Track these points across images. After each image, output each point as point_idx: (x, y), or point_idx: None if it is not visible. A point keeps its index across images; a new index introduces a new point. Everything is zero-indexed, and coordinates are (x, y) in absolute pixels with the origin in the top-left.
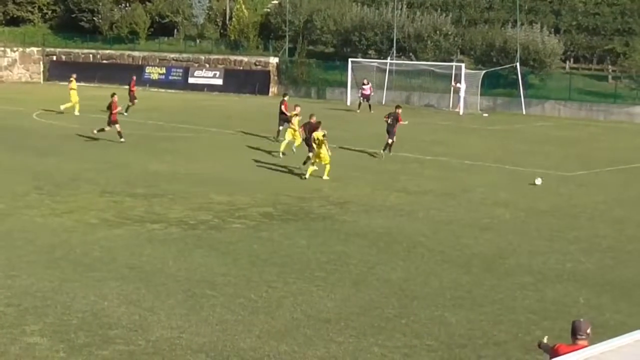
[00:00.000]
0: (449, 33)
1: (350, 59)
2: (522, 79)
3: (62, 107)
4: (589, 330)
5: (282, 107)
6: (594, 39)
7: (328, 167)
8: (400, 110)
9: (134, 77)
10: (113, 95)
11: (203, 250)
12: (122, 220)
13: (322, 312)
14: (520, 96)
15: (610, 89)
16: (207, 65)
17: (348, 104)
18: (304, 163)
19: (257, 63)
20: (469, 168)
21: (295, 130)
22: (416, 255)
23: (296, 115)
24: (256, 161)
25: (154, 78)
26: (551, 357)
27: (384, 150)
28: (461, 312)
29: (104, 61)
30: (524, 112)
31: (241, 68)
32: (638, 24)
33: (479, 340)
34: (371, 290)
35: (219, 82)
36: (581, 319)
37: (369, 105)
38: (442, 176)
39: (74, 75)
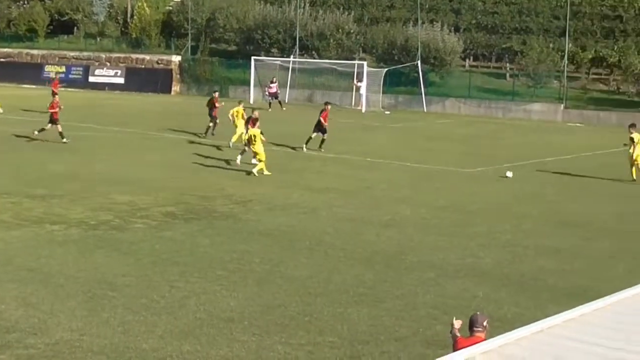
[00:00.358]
0: (351, 31)
1: (253, 57)
2: (423, 77)
3: None
4: (485, 323)
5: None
6: (492, 38)
7: (262, 164)
8: (329, 107)
9: (57, 77)
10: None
11: (104, 250)
12: (20, 221)
13: (225, 311)
14: (422, 94)
15: (508, 86)
16: (108, 64)
17: (251, 102)
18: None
19: (159, 61)
20: (371, 165)
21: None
22: (319, 253)
23: None
24: (158, 160)
25: (53, 77)
26: (454, 350)
27: (320, 147)
28: (364, 308)
29: (2, 60)
30: (425, 110)
31: (143, 66)
32: (535, 23)
33: (381, 335)
34: (274, 288)
35: (121, 80)
36: (478, 313)
37: (280, 103)
38: (344, 174)
39: None
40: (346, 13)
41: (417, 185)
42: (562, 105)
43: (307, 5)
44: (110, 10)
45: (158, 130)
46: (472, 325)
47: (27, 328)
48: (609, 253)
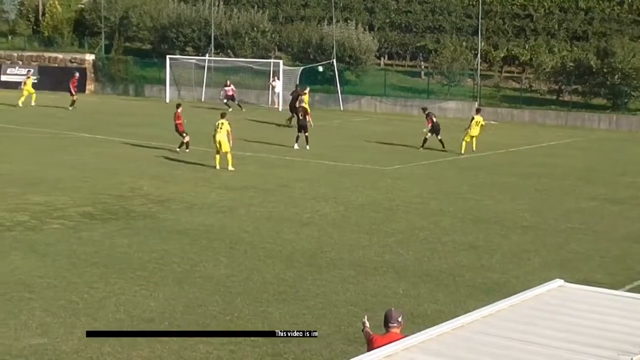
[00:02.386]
0: (266, 30)
1: (168, 56)
2: (338, 76)
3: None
4: (400, 319)
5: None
6: (406, 36)
7: (229, 156)
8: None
9: (76, 76)
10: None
11: (20, 252)
12: None
13: (145, 312)
14: (338, 92)
15: (423, 84)
16: (21, 62)
17: (167, 101)
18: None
19: (73, 60)
20: (289, 164)
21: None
22: (239, 252)
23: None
24: (74, 160)
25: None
26: (368, 348)
27: (307, 144)
28: (285, 306)
29: None
30: (342, 108)
31: (56, 65)
32: (448, 22)
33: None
34: (195, 288)
35: (33, 79)
36: (392, 308)
37: (239, 105)
38: (262, 172)
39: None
40: (261, 12)
41: (335, 183)
42: (477, 103)
43: (222, 3)
44: (21, 8)
45: (73, 130)
46: (387, 321)
47: None
48: (524, 248)
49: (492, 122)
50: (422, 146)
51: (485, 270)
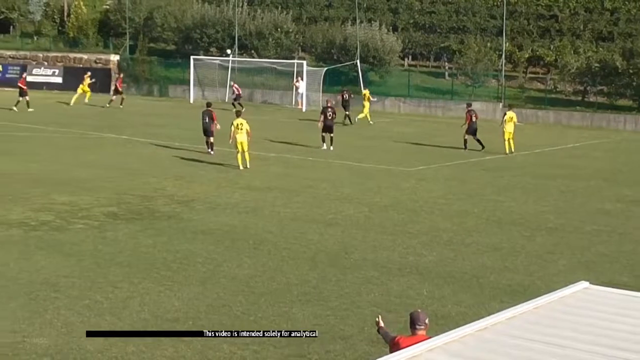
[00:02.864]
0: (290, 30)
1: (192, 57)
2: (362, 76)
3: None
4: (427, 320)
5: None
6: (430, 37)
7: (247, 155)
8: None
9: (121, 76)
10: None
11: (45, 251)
12: None
13: (169, 312)
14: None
15: (447, 85)
16: (46, 63)
17: (191, 101)
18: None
19: (98, 61)
20: (313, 164)
21: None
22: (262, 252)
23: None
24: (98, 161)
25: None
26: (391, 349)
27: (331, 144)
28: (308, 307)
29: None
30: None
31: (81, 66)
32: (472, 22)
33: (326, 334)
34: (218, 288)
35: (59, 80)
36: (418, 310)
37: (234, 104)
38: (286, 173)
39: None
40: (284, 12)
41: (359, 184)
42: (501, 104)
43: (245, 4)
44: (47, 9)
45: (98, 130)
46: (413, 322)
47: None
48: (548, 249)
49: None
50: (466, 148)
51: (510, 272)
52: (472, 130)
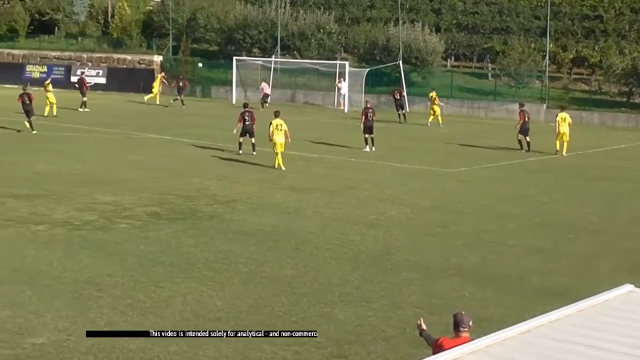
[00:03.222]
0: (332, 31)
1: (234, 57)
2: (405, 77)
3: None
4: (470, 323)
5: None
6: (473, 38)
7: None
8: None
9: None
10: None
11: (89, 251)
12: (5, 222)
13: (211, 312)
14: (404, 94)
15: (490, 86)
16: (90, 64)
17: (234, 102)
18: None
19: (141, 61)
20: (355, 165)
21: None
22: (304, 253)
23: None
24: (141, 161)
25: (35, 77)
26: (434, 350)
27: (372, 144)
28: (350, 308)
29: None
30: (408, 110)
31: (125, 66)
32: (516, 23)
33: (368, 335)
34: (260, 288)
35: (102, 80)
36: (462, 312)
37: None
38: (328, 173)
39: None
40: (327, 13)
41: (401, 185)
42: (545, 105)
43: (288, 5)
44: (91, 10)
45: (141, 131)
46: (457, 325)
47: (13, 328)
48: (592, 252)
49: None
50: (522, 149)
51: (553, 275)
52: (524, 130)
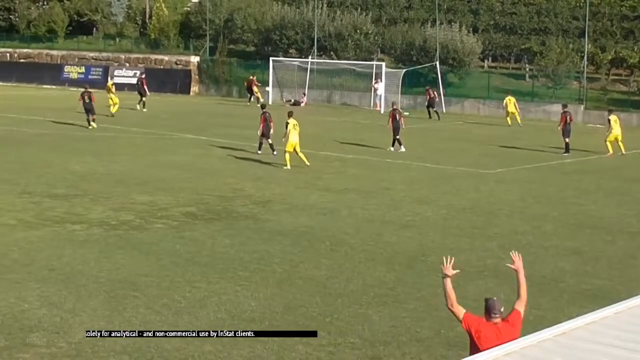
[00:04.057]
0: (369, 32)
1: (271, 58)
2: (441, 78)
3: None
4: (502, 309)
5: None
6: (511, 38)
7: (301, 154)
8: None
9: (254, 76)
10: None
11: (125, 250)
12: (42, 221)
13: (246, 312)
14: (440, 95)
15: (527, 87)
16: (128, 65)
17: (270, 102)
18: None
19: (178, 62)
20: (390, 166)
21: None
22: (339, 254)
23: None
24: (178, 161)
25: (73, 77)
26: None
27: (400, 145)
28: (385, 309)
29: (22, 60)
30: (444, 111)
31: (162, 67)
32: (554, 24)
33: (403, 337)
34: (295, 289)
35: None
36: (494, 298)
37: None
38: (364, 174)
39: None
40: (364, 14)
41: (436, 186)
42: (582, 107)
43: (325, 6)
44: (129, 11)
45: (177, 131)
46: (489, 310)
47: (49, 327)
48: (630, 254)
49: (598, 125)
50: (567, 151)
51: (590, 277)
52: (566, 132)
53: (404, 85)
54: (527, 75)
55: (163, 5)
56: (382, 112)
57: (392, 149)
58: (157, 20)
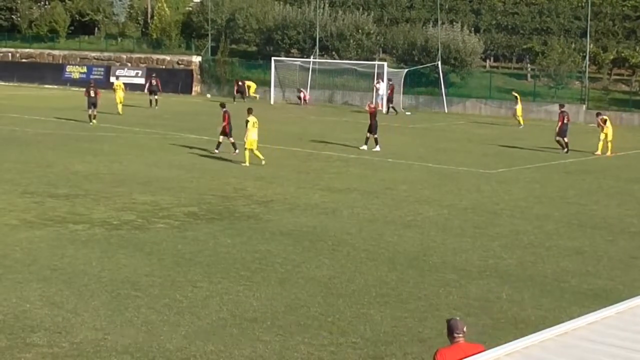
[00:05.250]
0: (371, 32)
1: (273, 58)
2: (443, 78)
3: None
4: (465, 329)
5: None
6: (513, 38)
7: (258, 152)
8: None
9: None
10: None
11: (127, 250)
12: (44, 221)
13: (248, 312)
14: (442, 95)
15: (529, 87)
16: (129, 64)
17: (272, 102)
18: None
19: (180, 62)
20: (392, 166)
21: None
22: (341, 253)
23: None
24: (179, 161)
25: (75, 77)
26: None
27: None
28: (386, 309)
29: (23, 60)
30: (446, 111)
31: (164, 67)
32: (556, 24)
33: (404, 337)
34: (297, 288)
35: (142, 81)
36: (457, 318)
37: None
38: (365, 174)
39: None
40: (365, 14)
41: (438, 186)
42: (584, 106)
43: (327, 5)
44: (131, 11)
45: (179, 131)
46: (452, 330)
47: (51, 327)
48: (632, 254)
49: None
50: (563, 149)
51: (591, 277)
52: (562, 132)
53: (405, 85)
54: (528, 75)
55: (165, 5)
56: (384, 112)
57: (364, 147)
58: (158, 20)
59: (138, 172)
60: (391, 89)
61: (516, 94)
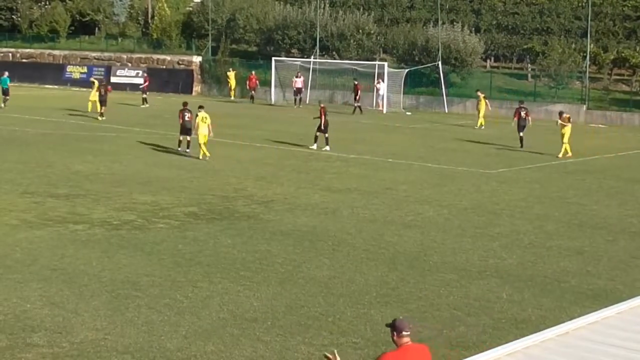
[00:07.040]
0: (372, 32)
1: (273, 58)
2: (444, 78)
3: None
4: (411, 326)
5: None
6: (513, 38)
7: (204, 147)
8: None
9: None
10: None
11: (127, 250)
12: (44, 221)
13: (248, 312)
14: (443, 95)
15: (530, 87)
16: (130, 64)
17: (272, 102)
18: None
19: (180, 62)
20: (392, 166)
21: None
22: (341, 254)
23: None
24: (180, 161)
25: (75, 77)
26: None
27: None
28: (387, 309)
29: (24, 60)
30: (447, 111)
31: (164, 67)
32: (556, 24)
33: None
34: (297, 288)
35: (142, 80)
36: (401, 317)
37: (298, 100)
38: (366, 174)
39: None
40: (366, 14)
41: (438, 186)
42: (585, 106)
43: (327, 5)
44: (131, 11)
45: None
46: (400, 330)
47: (52, 327)
48: (632, 254)
49: (600, 125)
50: (520, 145)
51: (592, 277)
52: (520, 127)
53: (406, 85)
54: (529, 75)
55: (165, 5)
56: (384, 112)
57: (314, 146)
58: (159, 20)
59: (138, 172)
60: (358, 88)
61: (481, 94)
